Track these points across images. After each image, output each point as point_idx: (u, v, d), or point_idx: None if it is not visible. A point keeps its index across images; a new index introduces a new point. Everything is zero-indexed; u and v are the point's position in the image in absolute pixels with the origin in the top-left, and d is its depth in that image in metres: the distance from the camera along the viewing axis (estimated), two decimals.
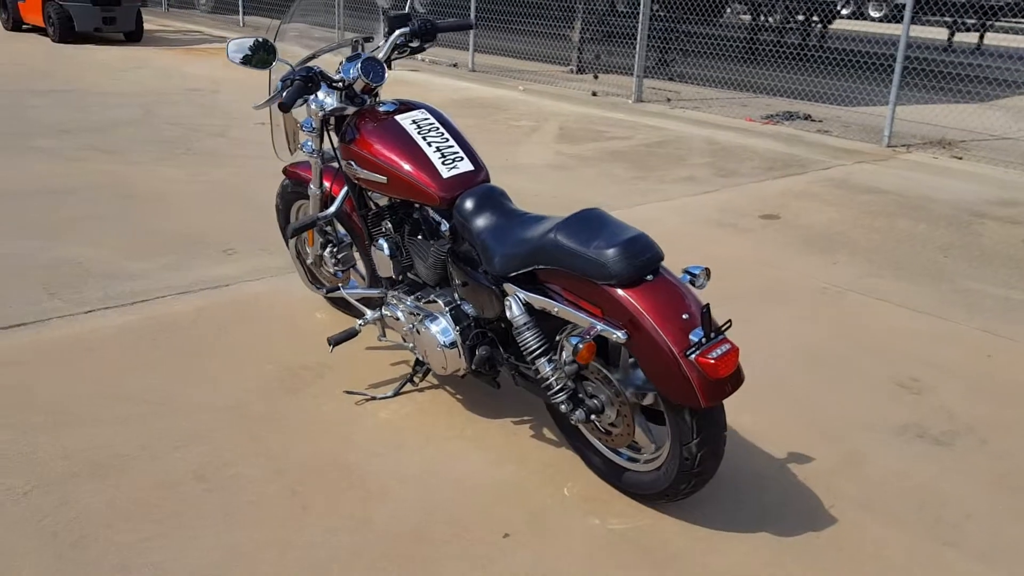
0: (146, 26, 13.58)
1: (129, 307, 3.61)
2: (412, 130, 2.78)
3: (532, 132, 7.67)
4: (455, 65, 11.41)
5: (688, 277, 2.41)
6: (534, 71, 11.28)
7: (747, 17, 13.53)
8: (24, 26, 12.42)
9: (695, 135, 7.88)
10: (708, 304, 2.15)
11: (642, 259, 2.23)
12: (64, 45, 11.36)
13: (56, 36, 11.44)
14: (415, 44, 3.06)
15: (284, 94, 2.67)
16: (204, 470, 2.54)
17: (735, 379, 2.20)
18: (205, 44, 12.44)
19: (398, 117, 2.82)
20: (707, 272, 2.42)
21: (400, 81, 10.05)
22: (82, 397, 2.89)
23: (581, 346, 2.18)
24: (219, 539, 2.26)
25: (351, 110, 2.91)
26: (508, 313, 2.48)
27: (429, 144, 2.75)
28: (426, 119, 2.84)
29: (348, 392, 3.00)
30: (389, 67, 2.96)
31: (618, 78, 10.74)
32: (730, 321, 2.22)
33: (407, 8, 3.14)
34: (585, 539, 2.34)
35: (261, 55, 2.75)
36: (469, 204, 2.62)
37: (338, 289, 3.26)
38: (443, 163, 2.71)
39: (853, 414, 3.04)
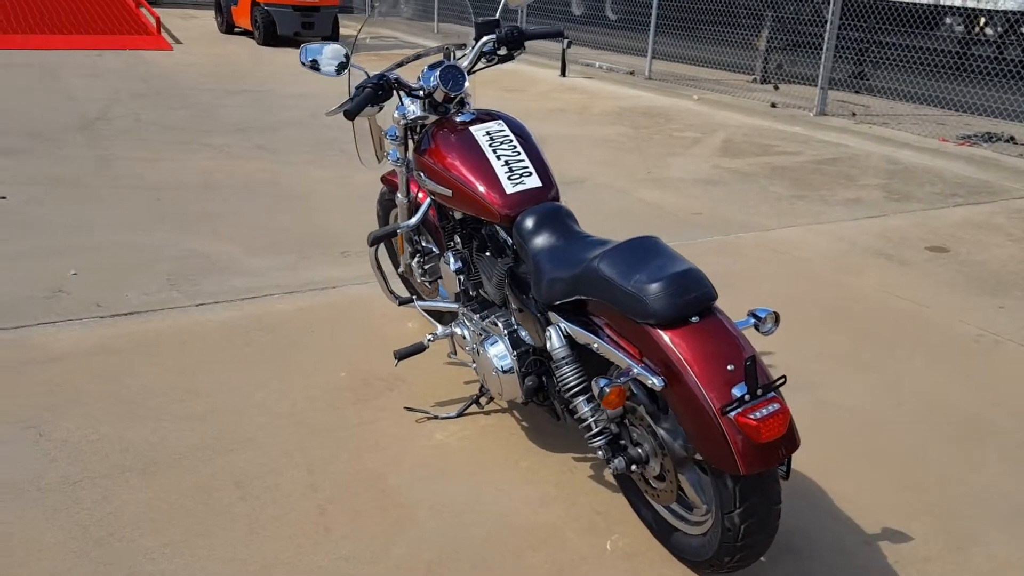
0: (345, 31, 14.28)
1: (236, 303, 3.71)
2: (484, 142, 2.64)
3: (693, 144, 7.33)
4: (632, 73, 11.16)
5: (752, 321, 2.12)
6: (714, 80, 10.83)
7: (960, 28, 12.35)
8: (236, 29, 13.39)
9: (874, 153, 7.23)
10: (755, 355, 1.87)
11: (686, 298, 1.97)
12: (266, 48, 12.14)
13: (260, 39, 12.25)
14: (503, 52, 2.93)
15: (352, 102, 2.61)
16: (244, 477, 2.52)
17: (787, 444, 1.90)
18: (396, 49, 12.90)
19: (472, 128, 2.69)
20: (775, 317, 2.13)
21: (569, 88, 9.95)
22: (158, 390, 2.97)
23: (608, 390, 1.96)
24: (233, 552, 2.22)
25: (433, 119, 2.82)
26: (548, 344, 2.29)
27: (499, 157, 2.60)
28: (501, 131, 2.69)
29: (408, 409, 2.90)
30: (470, 74, 2.84)
31: (803, 89, 10.09)
32: (784, 377, 1.91)
33: (497, 14, 3.01)
34: None
35: (334, 61, 2.70)
36: (528, 223, 2.45)
37: (411, 300, 3.18)
38: (509, 178, 2.55)
39: (975, 491, 2.59)
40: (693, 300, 1.97)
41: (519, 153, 2.62)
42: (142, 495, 2.42)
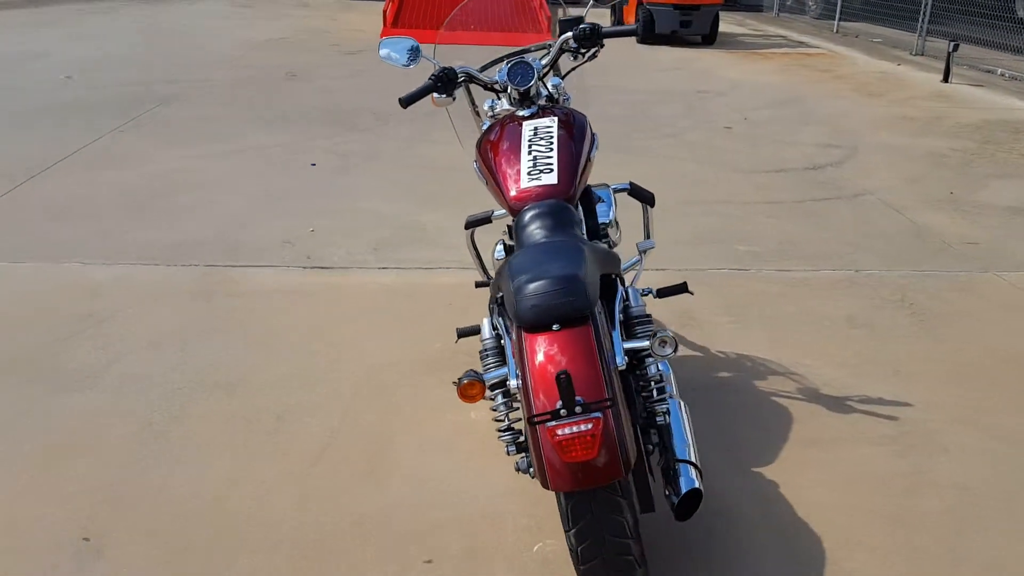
0: (729, 29, 14.13)
1: (409, 271, 4.14)
2: (526, 136, 2.70)
3: None
4: None
5: (646, 342, 1.98)
6: None
7: None
8: None
9: None
10: (566, 371, 1.77)
11: (548, 304, 1.91)
12: (642, 46, 12.53)
13: (639, 37, 12.67)
14: (584, 51, 2.92)
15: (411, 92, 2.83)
16: (287, 411, 2.92)
17: (606, 469, 1.78)
18: (774, 48, 12.49)
19: (526, 123, 2.76)
20: (672, 341, 1.96)
21: (939, 95, 8.86)
22: (299, 331, 3.49)
23: (463, 381, 1.98)
24: (230, 462, 2.63)
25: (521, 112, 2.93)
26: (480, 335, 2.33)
27: (530, 152, 2.65)
28: (548, 127, 2.73)
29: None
30: (556, 71, 2.89)
31: None
32: (609, 400, 1.79)
33: (585, 11, 2.99)
34: None
35: (406, 53, 2.91)
36: (524, 217, 2.48)
37: (487, 284, 3.31)
38: (529, 172, 2.59)
39: None
40: (555, 307, 1.91)
41: (551, 150, 2.64)
42: (209, 405, 2.95)
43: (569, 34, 2.90)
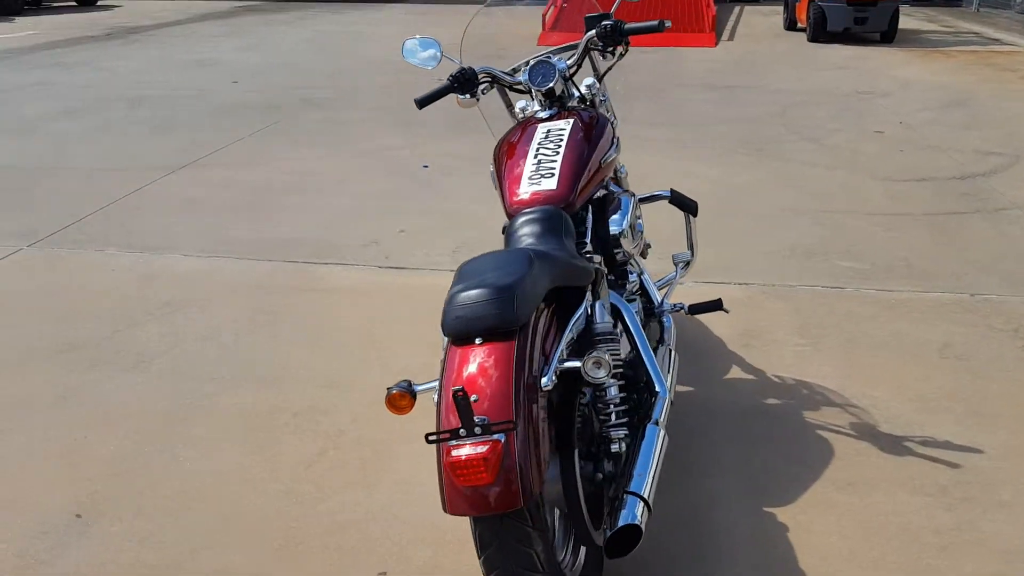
0: (914, 26, 13.09)
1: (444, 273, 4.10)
2: (537, 139, 2.60)
3: None
4: None
5: (578, 363, 1.83)
6: None
7: None
8: (797, 26, 13.25)
9: None
10: (462, 388, 1.65)
11: (468, 316, 1.79)
12: (813, 44, 11.84)
13: (809, 35, 11.98)
14: (610, 49, 2.77)
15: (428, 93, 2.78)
16: (305, 410, 2.96)
17: (497, 497, 1.65)
18: (960, 46, 11.45)
19: (540, 125, 2.66)
20: (607, 364, 1.80)
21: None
22: (346, 328, 3.55)
23: (391, 391, 1.90)
24: (228, 455, 2.70)
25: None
26: None
27: (535, 156, 2.54)
28: (560, 130, 2.61)
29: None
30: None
31: None
32: (512, 422, 1.65)
33: (613, 9, 2.82)
34: None
35: (428, 53, 2.85)
36: (515, 223, 2.37)
37: None
38: (530, 177, 2.49)
39: None
40: (478, 320, 1.79)
41: (557, 154, 2.52)
42: (237, 398, 3.04)
43: (592, 32, 2.77)
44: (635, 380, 2.36)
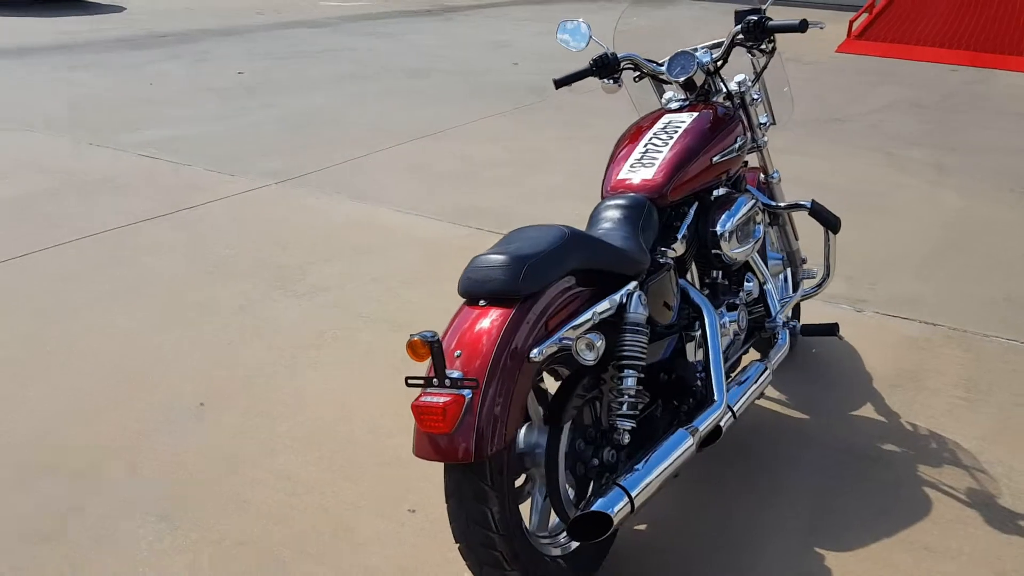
0: None
1: None
2: (656, 128, 2.60)
3: None
4: None
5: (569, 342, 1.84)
6: None
7: None
8: None
9: None
10: (439, 340, 1.74)
11: (478, 279, 1.89)
12: None
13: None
14: (750, 44, 2.66)
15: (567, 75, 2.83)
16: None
17: (453, 448, 1.73)
18: None
19: (666, 115, 2.65)
20: (597, 348, 1.81)
21: None
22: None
23: (413, 338, 2.01)
24: (304, 383, 2.99)
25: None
26: None
27: (645, 145, 2.54)
28: (680, 122, 2.58)
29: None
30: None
31: None
32: (476, 380, 1.71)
33: (766, 5, 2.67)
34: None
35: (577, 35, 2.87)
36: (598, 207, 2.40)
37: None
38: (631, 165, 2.49)
39: None
40: (483, 283, 1.88)
41: (666, 145, 2.50)
42: (357, 337, 3.33)
43: (738, 28, 2.68)
44: (685, 382, 2.31)
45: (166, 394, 2.91)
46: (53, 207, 4.54)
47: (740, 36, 2.71)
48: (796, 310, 3.37)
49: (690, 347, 2.42)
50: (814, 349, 3.40)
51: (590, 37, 2.84)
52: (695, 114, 2.64)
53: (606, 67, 2.76)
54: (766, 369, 2.61)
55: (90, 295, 3.59)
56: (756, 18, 2.67)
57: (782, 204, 2.97)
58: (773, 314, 2.79)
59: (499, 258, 1.90)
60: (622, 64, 2.78)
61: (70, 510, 2.37)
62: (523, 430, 2.05)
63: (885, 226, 4.78)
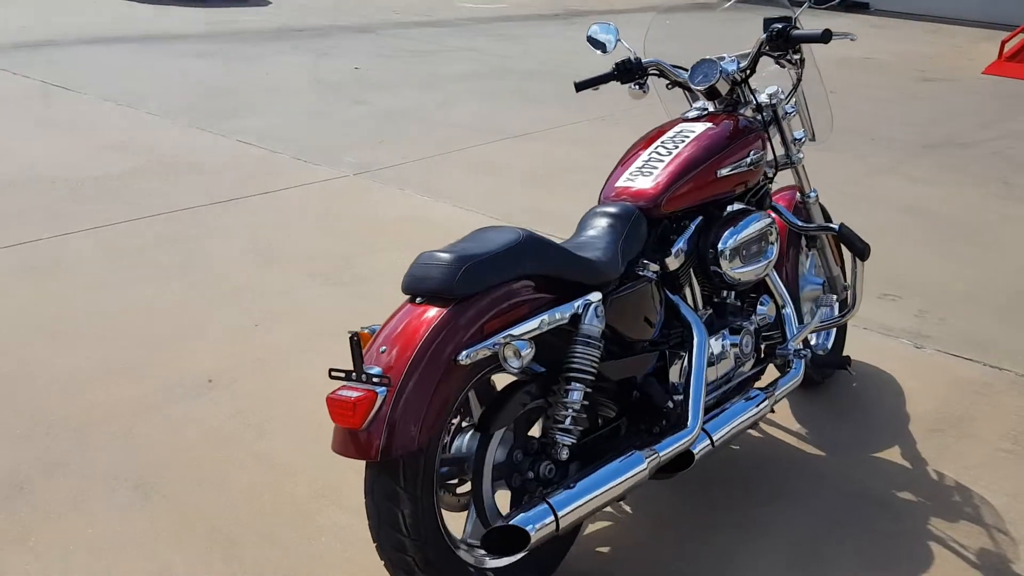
0: None
1: None
2: (665, 137, 2.50)
3: None
4: None
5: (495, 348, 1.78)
6: None
7: None
8: None
9: None
10: (357, 333, 1.71)
11: (415, 275, 1.88)
12: None
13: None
14: (777, 54, 2.50)
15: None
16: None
17: (358, 444, 1.71)
18: None
19: (680, 124, 2.53)
20: (523, 356, 1.75)
21: None
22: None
23: (364, 331, 1.97)
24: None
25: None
26: None
27: (650, 153, 2.44)
28: (690, 132, 2.47)
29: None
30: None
31: None
32: (388, 378, 1.68)
33: (798, 10, 2.50)
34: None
35: (606, 37, 2.76)
36: (588, 212, 2.33)
37: None
38: (631, 172, 2.41)
39: None
40: (420, 280, 1.86)
41: (669, 155, 2.40)
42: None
43: (763, 36, 2.53)
44: (652, 401, 2.19)
45: (179, 369, 3.01)
46: (141, 184, 4.80)
47: (766, 46, 2.56)
48: (842, 340, 3.16)
49: (674, 367, 2.30)
50: (855, 384, 3.17)
51: (616, 40, 2.75)
52: (708, 124, 2.51)
53: (629, 72, 2.68)
54: (764, 399, 2.45)
55: (143, 270, 3.76)
56: (780, 27, 2.52)
57: (810, 225, 2.78)
58: (787, 340, 2.62)
59: (442, 256, 1.86)
60: (648, 69, 2.68)
61: (56, 465, 2.49)
62: (467, 436, 2.00)
63: (977, 259, 4.41)
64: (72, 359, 3.04)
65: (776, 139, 2.73)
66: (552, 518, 1.83)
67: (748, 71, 2.62)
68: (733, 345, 2.46)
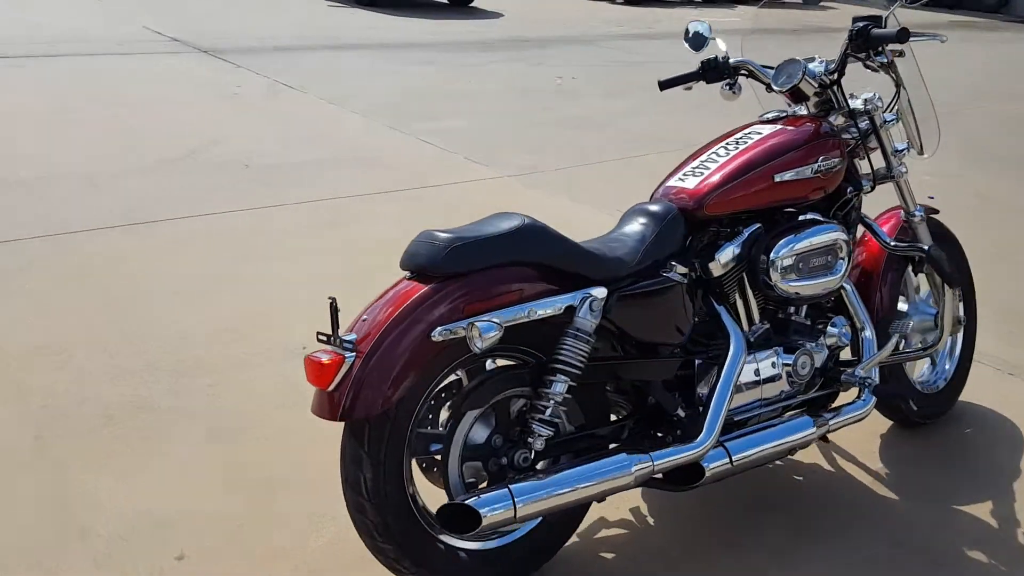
0: None
1: None
2: (732, 138, 2.42)
3: None
4: None
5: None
6: None
7: None
8: None
9: None
10: (334, 299, 1.80)
11: (408, 251, 1.96)
12: None
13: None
14: (861, 56, 2.30)
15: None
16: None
17: (324, 404, 1.81)
18: None
19: (753, 125, 2.43)
20: (486, 339, 1.79)
21: None
22: None
23: None
24: None
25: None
26: None
27: (709, 153, 2.36)
28: (756, 135, 2.38)
29: None
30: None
31: None
32: (357, 348, 1.78)
33: (888, 11, 2.26)
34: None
35: (699, 35, 2.63)
36: (630, 208, 2.28)
37: None
38: (684, 172, 2.35)
39: None
40: (411, 256, 1.95)
41: (727, 156, 2.31)
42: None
43: (847, 37, 2.36)
44: (660, 408, 2.11)
45: (282, 337, 3.26)
46: (319, 172, 5.22)
47: (849, 46, 2.38)
48: (960, 382, 2.85)
49: (704, 377, 2.20)
50: (968, 429, 2.84)
51: (708, 39, 2.65)
52: (779, 127, 2.38)
53: (714, 71, 2.58)
54: (813, 425, 2.28)
55: (273, 251, 4.06)
56: (860, 25, 2.32)
57: (898, 244, 2.54)
58: (860, 367, 2.41)
59: (436, 235, 1.93)
60: (738, 69, 2.57)
61: (145, 404, 2.81)
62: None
63: None
64: (196, 317, 3.37)
65: (868, 149, 2.53)
66: (510, 505, 1.83)
67: (836, 73, 2.44)
68: (786, 364, 2.31)
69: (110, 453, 2.57)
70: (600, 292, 2.00)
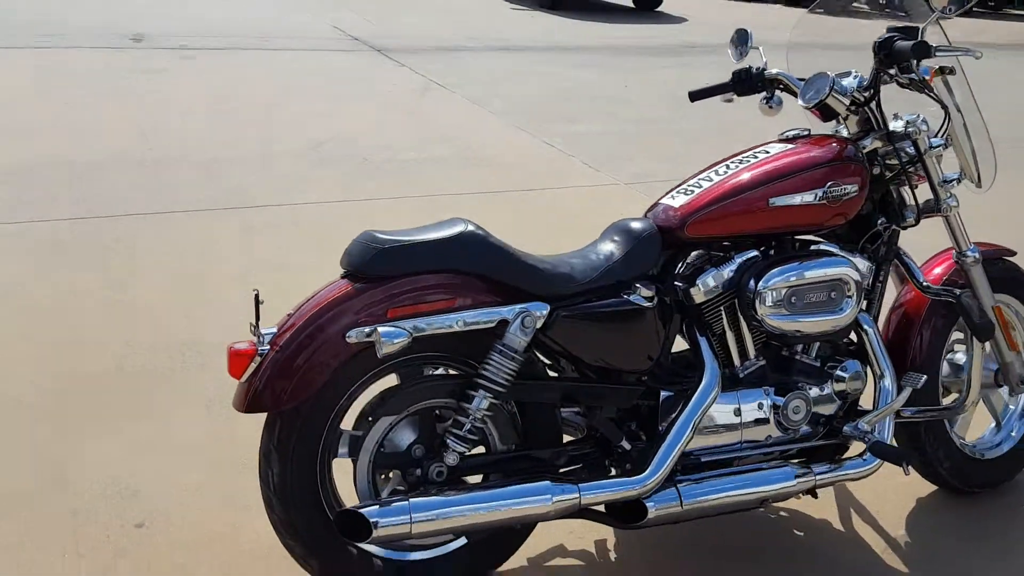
0: None
1: None
2: (739, 156, 2.23)
3: None
4: None
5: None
6: None
7: None
8: None
9: None
10: (257, 291, 1.80)
11: (346, 252, 1.93)
12: None
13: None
14: (891, 73, 2.02)
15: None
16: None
17: (238, 394, 1.82)
18: None
19: (769, 144, 2.22)
20: (392, 344, 1.77)
21: None
22: None
23: None
24: None
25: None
26: None
27: (709, 171, 2.20)
28: (763, 154, 2.19)
29: None
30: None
31: None
32: (269, 342, 1.80)
33: (925, 22, 1.95)
34: None
35: (742, 47, 2.40)
36: (609, 225, 2.15)
37: None
38: (677, 188, 2.21)
39: None
40: (345, 255, 1.93)
41: (724, 175, 2.13)
42: None
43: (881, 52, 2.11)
44: (614, 439, 1.98)
45: None
46: (433, 169, 5.30)
47: (876, 61, 2.10)
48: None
49: (669, 410, 2.03)
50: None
51: (747, 47, 2.43)
52: (791, 146, 2.16)
53: (746, 83, 2.38)
54: (792, 478, 2.05)
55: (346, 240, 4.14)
56: (885, 37, 2.05)
57: (930, 287, 2.22)
58: (864, 420, 2.13)
59: (374, 235, 1.92)
60: (773, 82, 2.35)
61: (161, 378, 2.96)
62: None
63: None
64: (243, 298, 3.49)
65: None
66: (406, 519, 1.78)
67: (871, 91, 2.17)
68: (775, 407, 2.09)
69: (119, 417, 2.74)
70: (539, 309, 1.90)
